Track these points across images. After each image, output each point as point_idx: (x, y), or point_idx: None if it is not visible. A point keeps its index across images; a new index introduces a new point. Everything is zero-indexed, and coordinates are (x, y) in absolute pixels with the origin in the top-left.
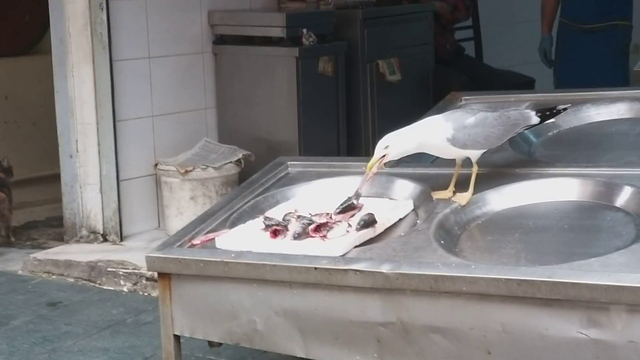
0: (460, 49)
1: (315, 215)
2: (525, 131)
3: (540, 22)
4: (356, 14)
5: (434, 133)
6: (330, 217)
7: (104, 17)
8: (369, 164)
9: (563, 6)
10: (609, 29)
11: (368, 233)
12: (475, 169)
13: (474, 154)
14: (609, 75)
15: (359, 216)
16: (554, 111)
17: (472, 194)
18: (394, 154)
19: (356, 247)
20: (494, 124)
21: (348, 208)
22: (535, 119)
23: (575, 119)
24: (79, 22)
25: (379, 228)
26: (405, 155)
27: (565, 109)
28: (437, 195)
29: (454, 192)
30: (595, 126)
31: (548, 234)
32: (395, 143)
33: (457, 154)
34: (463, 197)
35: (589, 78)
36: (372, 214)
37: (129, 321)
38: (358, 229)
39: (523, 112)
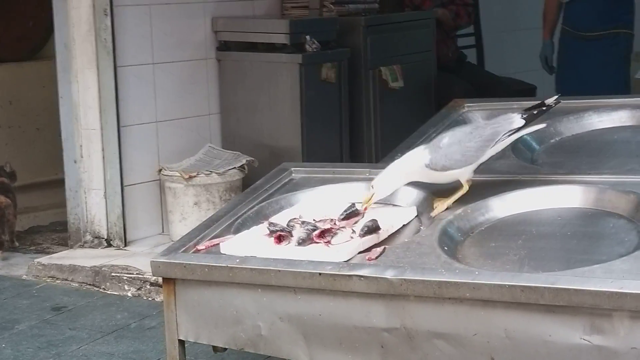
0: (462, 56)
1: (319, 221)
2: (528, 138)
3: (542, 28)
4: (359, 21)
5: (413, 162)
6: (335, 223)
7: (108, 22)
8: (363, 203)
9: (565, 14)
10: (611, 37)
11: (372, 239)
12: (465, 189)
13: (460, 174)
14: (610, 83)
15: (362, 222)
16: (542, 109)
17: (448, 206)
18: (381, 195)
19: (360, 253)
20: (469, 138)
21: (352, 214)
22: (518, 122)
23: (577, 126)
24: (83, 28)
25: (383, 234)
26: (395, 189)
27: (550, 107)
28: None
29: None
30: (598, 133)
31: (551, 240)
32: (379, 187)
33: (445, 177)
34: (441, 203)
35: (591, 86)
36: (375, 220)
37: (133, 326)
38: (362, 235)
39: (505, 117)
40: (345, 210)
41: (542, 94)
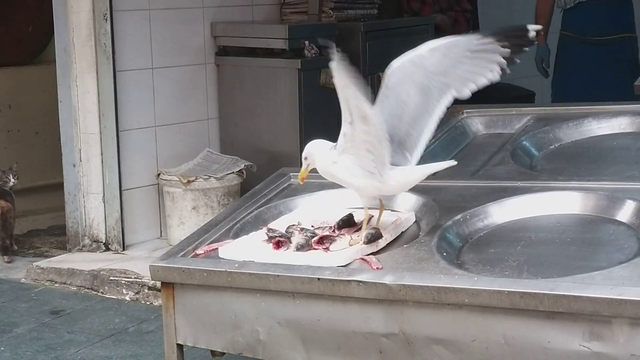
0: None
1: (318, 228)
2: (527, 144)
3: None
4: (358, 27)
5: None
6: (334, 231)
7: (108, 27)
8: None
9: (566, 19)
10: (618, 42)
11: (370, 247)
12: (365, 212)
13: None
14: (618, 87)
15: (363, 230)
16: None
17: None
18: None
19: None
20: None
21: (348, 222)
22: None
23: (576, 132)
24: (83, 33)
25: (381, 243)
26: None
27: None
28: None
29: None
30: (597, 140)
31: (550, 247)
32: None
33: None
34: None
35: (597, 90)
36: (378, 228)
37: (131, 330)
38: (365, 243)
39: None
40: (341, 218)
41: (540, 100)
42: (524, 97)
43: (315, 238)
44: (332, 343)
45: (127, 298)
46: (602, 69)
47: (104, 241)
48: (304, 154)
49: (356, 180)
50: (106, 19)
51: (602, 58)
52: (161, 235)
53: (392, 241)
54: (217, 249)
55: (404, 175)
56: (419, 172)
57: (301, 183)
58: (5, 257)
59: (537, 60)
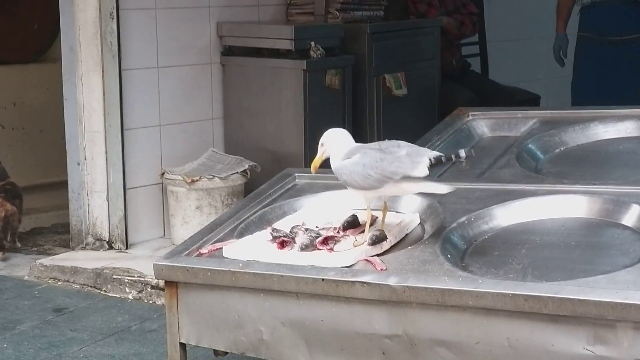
0: (466, 64)
1: (322, 229)
2: (533, 147)
3: (556, 21)
4: (364, 28)
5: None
6: (338, 232)
7: (114, 26)
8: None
9: (584, 19)
10: (636, 41)
11: (375, 248)
12: (367, 213)
13: (359, 196)
14: (637, 88)
15: (366, 231)
16: (445, 160)
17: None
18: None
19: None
20: (373, 165)
21: (352, 224)
22: (420, 171)
23: (582, 136)
24: (89, 31)
25: (386, 245)
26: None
27: (456, 162)
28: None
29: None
30: (603, 144)
31: (555, 250)
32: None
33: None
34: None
35: (615, 91)
36: (382, 230)
37: (134, 328)
38: (369, 244)
39: (415, 155)
40: (345, 220)
41: (545, 103)
42: (529, 101)
43: (320, 238)
44: (335, 344)
45: (130, 297)
46: (621, 69)
47: (107, 239)
48: (321, 140)
49: (357, 184)
50: (112, 18)
51: (621, 57)
52: (164, 235)
53: (396, 243)
54: (221, 248)
55: (406, 184)
56: (417, 186)
57: (313, 173)
58: None
59: (555, 49)
